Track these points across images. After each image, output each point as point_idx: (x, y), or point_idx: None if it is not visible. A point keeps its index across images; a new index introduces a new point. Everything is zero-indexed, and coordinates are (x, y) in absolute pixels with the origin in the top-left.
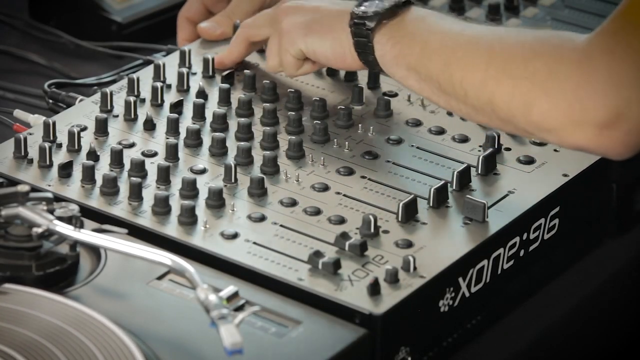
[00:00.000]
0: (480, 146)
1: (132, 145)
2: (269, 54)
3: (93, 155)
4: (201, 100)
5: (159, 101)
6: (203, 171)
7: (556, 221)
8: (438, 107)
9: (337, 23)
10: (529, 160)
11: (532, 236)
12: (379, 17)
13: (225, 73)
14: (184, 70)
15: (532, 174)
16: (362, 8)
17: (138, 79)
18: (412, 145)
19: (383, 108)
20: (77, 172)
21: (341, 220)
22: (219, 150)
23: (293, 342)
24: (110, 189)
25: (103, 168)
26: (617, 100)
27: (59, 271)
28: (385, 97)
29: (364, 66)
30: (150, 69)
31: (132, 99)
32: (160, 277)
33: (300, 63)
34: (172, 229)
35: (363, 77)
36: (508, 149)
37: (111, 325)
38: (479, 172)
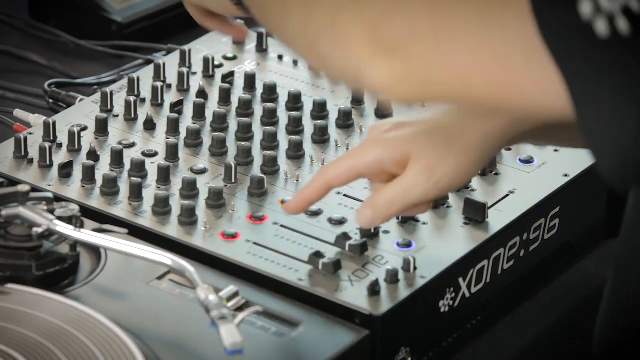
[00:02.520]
0: None
1: (132, 145)
2: None
3: (93, 155)
4: (201, 100)
5: (159, 101)
6: (203, 171)
7: (556, 221)
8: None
9: None
10: (529, 160)
11: (532, 236)
12: None
13: (225, 73)
14: (184, 70)
15: (532, 174)
16: None
17: (138, 79)
18: None
19: (383, 108)
20: (77, 172)
21: (341, 221)
22: (219, 150)
23: (293, 342)
24: (110, 189)
25: (103, 168)
26: None
27: (59, 271)
28: None
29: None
30: (150, 69)
31: (132, 98)
32: (160, 277)
33: (201, 12)
34: (172, 229)
35: None
36: (508, 149)
37: (111, 325)
38: (479, 172)
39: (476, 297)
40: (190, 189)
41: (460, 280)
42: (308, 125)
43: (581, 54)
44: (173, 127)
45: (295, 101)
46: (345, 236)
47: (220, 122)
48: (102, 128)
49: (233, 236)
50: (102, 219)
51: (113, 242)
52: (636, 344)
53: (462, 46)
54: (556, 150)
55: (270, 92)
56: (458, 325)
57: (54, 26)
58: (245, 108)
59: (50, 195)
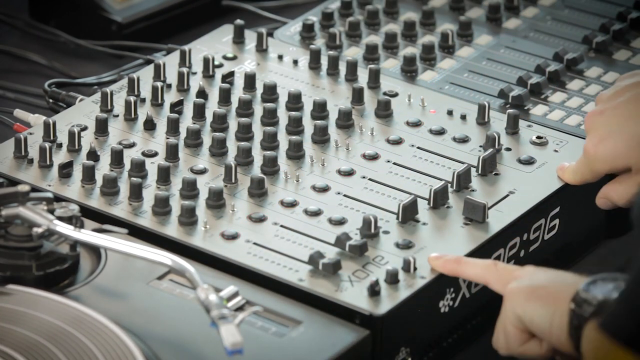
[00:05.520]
0: (480, 146)
1: (132, 145)
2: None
3: (93, 155)
4: (201, 100)
5: (159, 101)
6: (203, 171)
7: (556, 221)
8: (438, 107)
9: (563, 293)
10: (529, 161)
11: (532, 236)
12: (598, 308)
13: (225, 73)
14: (184, 70)
15: (532, 174)
16: (589, 291)
17: (138, 79)
18: (412, 145)
19: (383, 108)
20: (77, 172)
21: (341, 221)
22: (219, 150)
23: (293, 342)
24: (110, 189)
25: (103, 168)
26: None
27: (59, 271)
28: (385, 97)
29: (573, 351)
30: (150, 69)
31: (132, 98)
32: (160, 277)
33: (523, 336)
34: (172, 229)
35: (363, 77)
36: (508, 149)
37: (111, 325)
38: (479, 172)
39: (476, 297)
40: (190, 189)
41: (460, 280)
42: (308, 125)
43: None
44: (173, 127)
45: (295, 101)
46: (345, 236)
47: (220, 122)
48: (102, 128)
49: (233, 236)
50: (102, 219)
51: (113, 242)
52: None
53: None
54: (556, 151)
55: (270, 92)
56: (458, 326)
57: (54, 26)
58: (245, 108)
59: (50, 195)
